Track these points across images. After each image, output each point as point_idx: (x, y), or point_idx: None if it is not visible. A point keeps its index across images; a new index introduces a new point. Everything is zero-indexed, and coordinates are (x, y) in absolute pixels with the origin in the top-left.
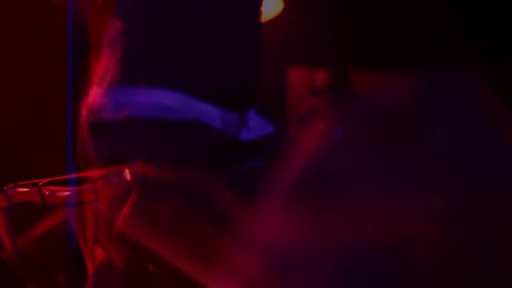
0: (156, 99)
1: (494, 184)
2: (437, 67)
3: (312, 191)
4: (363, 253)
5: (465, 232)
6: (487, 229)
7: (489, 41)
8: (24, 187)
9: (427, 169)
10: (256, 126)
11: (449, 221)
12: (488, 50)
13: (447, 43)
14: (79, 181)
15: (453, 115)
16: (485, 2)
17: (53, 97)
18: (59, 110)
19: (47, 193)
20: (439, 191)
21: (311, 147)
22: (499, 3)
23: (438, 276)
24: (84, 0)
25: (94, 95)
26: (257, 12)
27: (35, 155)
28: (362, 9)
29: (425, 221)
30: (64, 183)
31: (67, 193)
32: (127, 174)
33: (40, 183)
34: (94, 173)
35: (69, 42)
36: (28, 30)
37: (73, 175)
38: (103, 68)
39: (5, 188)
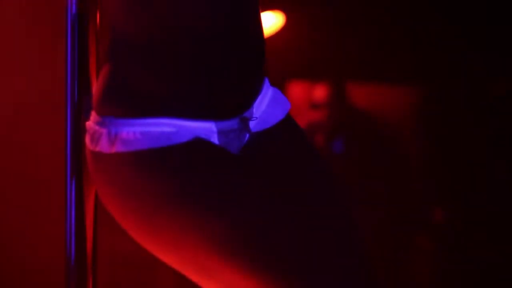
0: (148, 127)
1: None
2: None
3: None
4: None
5: None
6: None
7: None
8: None
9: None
10: (264, 116)
11: None
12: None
13: (443, 57)
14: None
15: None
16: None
17: (52, 97)
18: (59, 109)
19: None
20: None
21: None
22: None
23: None
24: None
25: (93, 120)
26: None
27: (35, 154)
28: (362, 24)
29: None
30: None
31: None
32: None
33: None
34: None
35: (69, 39)
36: (28, 26)
37: None
38: (97, 93)
39: None
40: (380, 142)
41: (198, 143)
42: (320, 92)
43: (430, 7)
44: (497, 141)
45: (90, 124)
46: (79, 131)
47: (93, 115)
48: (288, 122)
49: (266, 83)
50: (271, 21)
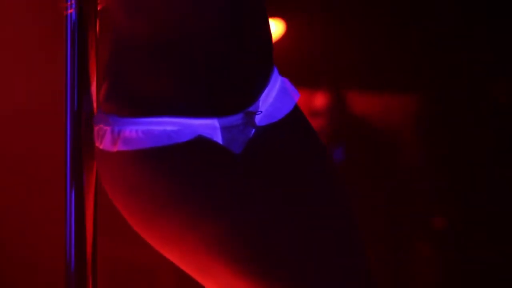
0: (151, 126)
1: None
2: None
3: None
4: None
5: None
6: None
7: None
8: None
9: None
10: (271, 109)
11: None
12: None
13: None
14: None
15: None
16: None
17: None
18: (59, 109)
19: None
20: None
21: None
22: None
23: None
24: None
25: (98, 118)
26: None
27: (35, 155)
28: (361, 30)
29: None
30: None
31: None
32: None
33: None
34: None
35: (69, 37)
36: (27, 25)
37: None
38: (103, 92)
39: None
40: (381, 146)
41: (199, 142)
42: (320, 99)
43: (430, 8)
44: (497, 142)
45: (96, 124)
46: (79, 131)
47: (100, 113)
48: (295, 115)
49: (275, 74)
50: (272, 29)
